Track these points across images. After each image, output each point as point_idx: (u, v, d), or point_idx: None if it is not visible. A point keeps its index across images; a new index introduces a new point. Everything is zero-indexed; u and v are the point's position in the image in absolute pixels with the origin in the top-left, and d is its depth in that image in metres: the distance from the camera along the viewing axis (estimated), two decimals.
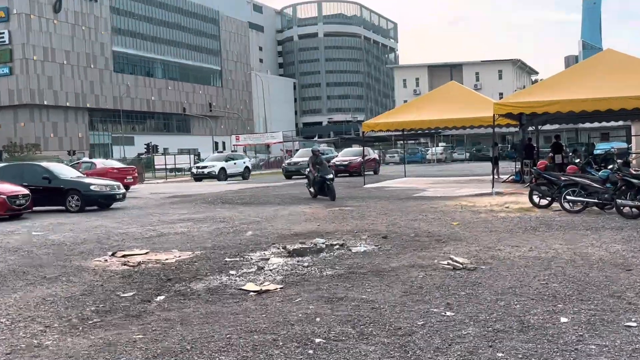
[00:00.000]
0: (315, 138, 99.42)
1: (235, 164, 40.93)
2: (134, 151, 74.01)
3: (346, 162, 38.39)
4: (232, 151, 61.78)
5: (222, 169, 39.27)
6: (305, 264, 8.62)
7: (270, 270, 8.30)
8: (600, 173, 15.45)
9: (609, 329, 5.29)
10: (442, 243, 10.38)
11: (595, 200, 14.38)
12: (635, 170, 14.91)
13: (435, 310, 6.00)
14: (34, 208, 18.38)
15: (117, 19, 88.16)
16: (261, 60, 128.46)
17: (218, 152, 55.26)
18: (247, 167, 41.33)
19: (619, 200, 13.48)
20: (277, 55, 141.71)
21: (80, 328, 5.80)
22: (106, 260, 9.54)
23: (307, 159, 43.00)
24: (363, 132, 32.22)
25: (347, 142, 79.60)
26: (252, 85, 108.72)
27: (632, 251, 9.12)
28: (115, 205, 20.14)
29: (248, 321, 5.77)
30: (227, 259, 9.22)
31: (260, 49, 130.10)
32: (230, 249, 10.30)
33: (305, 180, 25.61)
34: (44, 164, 21.13)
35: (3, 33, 77.24)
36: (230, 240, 11.44)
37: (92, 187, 19.37)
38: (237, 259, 9.28)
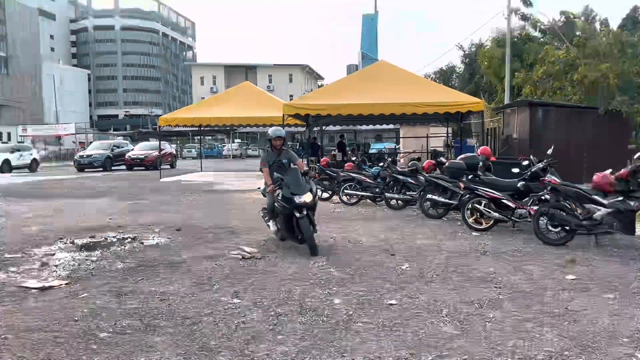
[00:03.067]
0: (111, 131, 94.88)
1: (21, 155, 37.66)
2: None
3: (142, 156, 36.67)
4: (18, 142, 56.84)
5: (6, 161, 36.02)
6: (94, 258, 8.20)
7: (56, 265, 7.78)
8: (372, 170, 16.20)
9: (375, 307, 5.71)
10: (233, 234, 10.47)
11: (368, 194, 15.22)
12: (401, 168, 16.08)
13: (222, 298, 6.06)
14: None
15: None
16: (52, 49, 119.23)
17: (1, 143, 50.22)
18: (34, 160, 38.17)
19: (387, 194, 14.39)
20: (70, 45, 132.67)
21: None
22: None
23: (100, 151, 40.09)
24: (160, 127, 31.25)
25: (144, 136, 76.57)
26: (42, 75, 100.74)
27: (397, 239, 9.91)
28: None
29: (27, 319, 5.38)
30: (7, 256, 8.45)
31: (52, 37, 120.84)
32: (11, 244, 9.41)
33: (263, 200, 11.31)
34: None
35: None
36: (12, 235, 10.45)
37: None
38: (19, 255, 8.53)
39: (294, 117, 22.83)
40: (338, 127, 32.98)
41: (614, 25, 32.26)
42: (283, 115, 21.05)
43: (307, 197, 7.60)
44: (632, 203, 9.04)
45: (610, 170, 9.69)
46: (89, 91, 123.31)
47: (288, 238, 9.32)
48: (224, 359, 4.41)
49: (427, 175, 12.92)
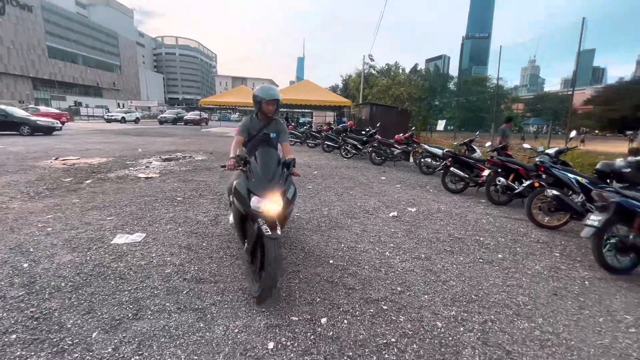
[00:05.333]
0: (176, 105, 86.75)
1: (130, 115, 33.91)
2: (66, 105, 56.74)
3: (192, 117, 33.22)
4: (128, 108, 51.04)
5: (123, 117, 32.40)
6: (172, 165, 7.74)
7: (153, 167, 7.29)
8: (300, 130, 14.75)
9: (303, 188, 5.72)
10: None
11: (299, 141, 14.04)
12: (313, 131, 15.42)
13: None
14: None
15: (48, 26, 63.76)
16: (144, 62, 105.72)
17: (120, 109, 44.76)
18: (137, 117, 34.44)
19: (308, 141, 13.39)
20: (153, 61, 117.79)
21: (36, 197, 4.53)
22: (51, 162, 7.41)
23: (171, 115, 37.66)
24: (200, 105, 28.32)
25: (193, 109, 70.32)
26: (139, 75, 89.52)
27: (311, 161, 9.62)
28: (55, 133, 15.47)
29: (141, 191, 5.08)
30: (128, 162, 7.82)
31: (143, 56, 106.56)
32: (129, 158, 8.64)
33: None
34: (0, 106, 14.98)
35: None
36: (129, 153, 9.56)
37: (37, 121, 14.50)
38: (134, 162, 7.89)
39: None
40: (284, 110, 31.68)
41: (407, 70, 32.36)
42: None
43: (271, 205, 1.97)
44: (409, 148, 9.52)
45: (401, 134, 10.06)
46: (164, 85, 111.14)
47: (242, 245, 2.61)
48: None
49: (324, 133, 12.75)
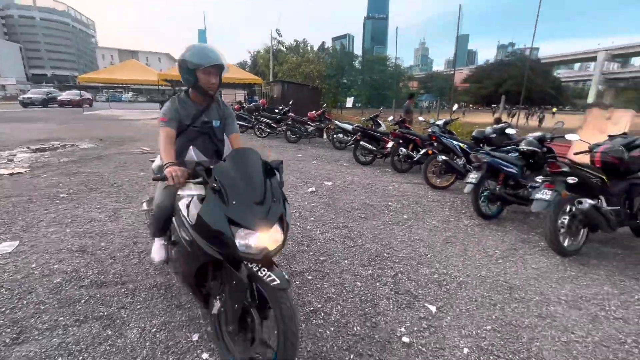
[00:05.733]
0: (43, 84, 69.96)
1: None
2: None
3: (70, 98, 27.72)
4: None
5: None
6: (47, 156, 6.35)
7: (19, 161, 5.87)
8: None
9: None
10: (135, 141, 8.82)
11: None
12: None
13: (133, 172, 5.23)
14: None
15: None
16: None
17: None
18: None
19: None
20: (2, 26, 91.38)
21: None
22: None
23: (39, 95, 29.84)
24: (79, 82, 23.59)
25: (69, 88, 57.93)
26: None
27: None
28: None
29: (5, 191, 4.07)
30: None
31: None
32: None
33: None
34: None
35: None
36: None
37: None
38: None
39: (165, 81, 19.54)
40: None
41: (315, 47, 32.70)
42: (158, 80, 17.83)
43: (268, 239, 1.16)
44: (322, 125, 9.81)
45: (314, 112, 10.26)
46: (22, 57, 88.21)
47: (202, 304, 1.60)
48: (137, 202, 3.92)
49: (236, 112, 12.13)
